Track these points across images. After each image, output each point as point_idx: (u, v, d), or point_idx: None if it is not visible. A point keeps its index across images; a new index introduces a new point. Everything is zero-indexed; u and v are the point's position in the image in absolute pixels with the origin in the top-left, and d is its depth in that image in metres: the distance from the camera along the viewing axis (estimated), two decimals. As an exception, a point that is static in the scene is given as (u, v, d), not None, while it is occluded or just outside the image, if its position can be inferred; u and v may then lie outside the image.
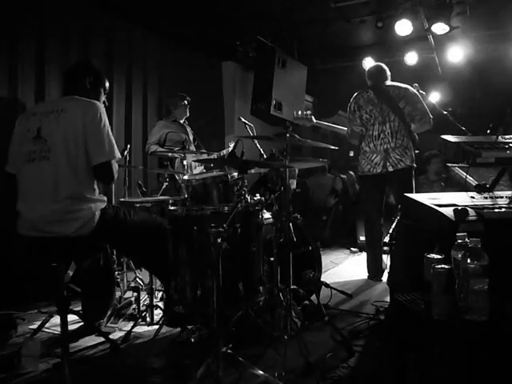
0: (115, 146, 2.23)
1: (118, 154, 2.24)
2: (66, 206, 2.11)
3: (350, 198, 6.40)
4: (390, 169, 3.74)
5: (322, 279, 3.13)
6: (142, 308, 2.93)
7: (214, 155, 4.07)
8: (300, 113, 3.97)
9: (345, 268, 4.65)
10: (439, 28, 4.98)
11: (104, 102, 2.41)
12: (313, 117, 4.00)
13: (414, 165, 3.82)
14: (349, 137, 4.03)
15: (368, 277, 4.02)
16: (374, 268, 3.98)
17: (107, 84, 2.52)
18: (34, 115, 2.26)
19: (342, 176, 6.62)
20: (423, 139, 4.15)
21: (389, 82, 3.92)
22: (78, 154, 2.15)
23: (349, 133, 4.00)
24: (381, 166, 3.77)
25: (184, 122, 4.51)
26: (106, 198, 2.30)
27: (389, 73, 3.96)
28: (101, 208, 2.21)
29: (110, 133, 2.23)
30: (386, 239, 3.97)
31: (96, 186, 2.28)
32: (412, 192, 3.74)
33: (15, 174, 2.28)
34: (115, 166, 2.25)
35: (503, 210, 1.89)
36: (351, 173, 7.04)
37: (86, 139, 2.15)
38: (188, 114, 4.48)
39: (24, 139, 2.22)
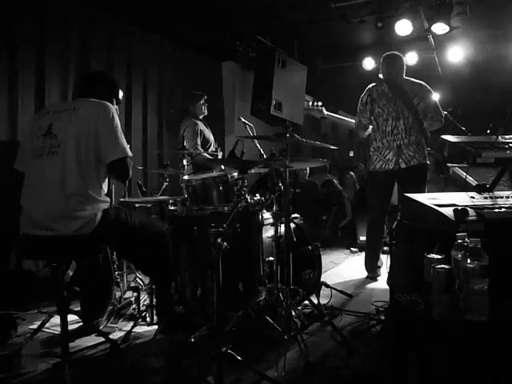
0: (127, 145, 2.26)
1: (130, 153, 2.26)
2: (70, 204, 2.10)
3: (343, 199, 6.39)
4: (403, 165, 3.70)
5: (322, 279, 3.13)
6: (142, 308, 2.93)
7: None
8: (311, 103, 3.94)
9: (345, 268, 4.65)
10: (439, 28, 4.98)
11: (116, 110, 2.42)
12: (324, 108, 3.96)
13: (428, 162, 3.79)
14: (356, 127, 4.01)
15: (367, 276, 4.04)
16: (372, 264, 4.01)
17: (121, 94, 2.55)
18: (46, 113, 2.29)
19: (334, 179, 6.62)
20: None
21: (404, 77, 3.87)
22: (88, 152, 2.16)
23: (356, 123, 3.98)
24: (393, 163, 3.72)
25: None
26: (109, 199, 2.30)
27: (405, 65, 3.88)
28: (103, 209, 2.20)
29: (122, 133, 2.26)
30: (386, 239, 3.97)
31: (103, 186, 2.28)
32: (424, 190, 3.72)
33: (23, 171, 2.27)
34: (130, 163, 2.28)
35: (503, 210, 1.89)
36: (351, 173, 7.03)
37: (97, 137, 2.17)
38: (206, 112, 4.41)
39: (34, 136, 2.23)
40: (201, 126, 4.22)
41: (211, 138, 4.29)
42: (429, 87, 3.79)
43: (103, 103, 2.27)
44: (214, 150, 4.20)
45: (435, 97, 3.80)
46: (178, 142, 4.23)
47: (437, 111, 3.76)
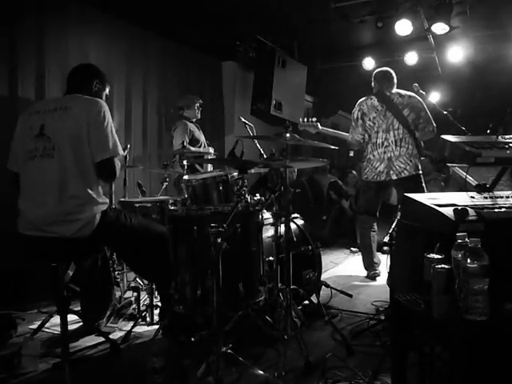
0: (119, 144, 2.21)
1: (121, 151, 2.22)
2: (69, 207, 2.08)
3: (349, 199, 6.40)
4: (394, 177, 3.72)
5: (322, 279, 3.13)
6: (142, 308, 2.93)
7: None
8: (306, 120, 3.96)
9: (345, 268, 4.65)
10: (439, 28, 4.98)
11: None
12: (319, 123, 3.98)
13: (420, 172, 3.78)
14: (348, 144, 4.03)
15: (366, 276, 4.04)
16: (368, 261, 4.05)
17: (108, 88, 2.50)
18: (36, 113, 2.21)
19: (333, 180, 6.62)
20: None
21: (394, 90, 3.89)
22: (84, 152, 2.12)
23: (349, 140, 3.98)
24: (384, 174, 3.75)
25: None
26: (107, 200, 2.28)
27: (395, 80, 3.92)
28: (102, 210, 2.18)
29: (114, 130, 2.20)
30: (386, 239, 3.97)
31: (101, 187, 2.26)
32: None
33: (16, 172, 2.24)
34: (118, 164, 2.23)
35: (503, 210, 1.89)
36: (354, 172, 7.02)
37: (89, 136, 2.12)
38: (199, 116, 4.43)
39: (26, 137, 2.18)
40: (191, 126, 4.25)
41: (202, 138, 4.30)
42: (419, 98, 3.79)
43: (94, 101, 2.21)
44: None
45: (426, 107, 3.80)
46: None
47: (428, 121, 3.75)
